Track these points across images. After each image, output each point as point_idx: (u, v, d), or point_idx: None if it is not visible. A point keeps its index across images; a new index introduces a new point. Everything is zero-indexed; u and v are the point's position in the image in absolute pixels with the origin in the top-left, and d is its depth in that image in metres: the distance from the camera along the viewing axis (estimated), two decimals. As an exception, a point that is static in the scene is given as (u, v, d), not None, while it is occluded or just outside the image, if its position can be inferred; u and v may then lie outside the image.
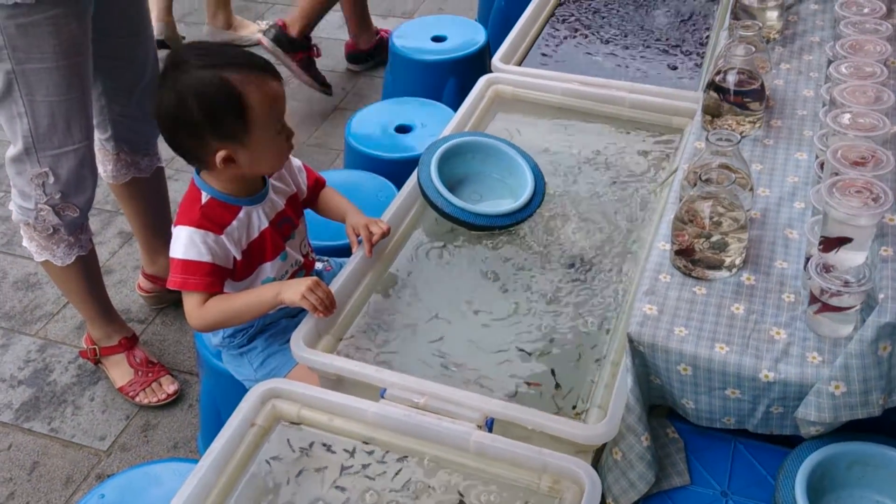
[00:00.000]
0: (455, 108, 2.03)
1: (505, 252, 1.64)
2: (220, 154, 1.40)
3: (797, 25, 1.93)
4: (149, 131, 2.11)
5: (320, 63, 3.46)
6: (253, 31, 3.73)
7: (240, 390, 1.58)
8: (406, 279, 1.59)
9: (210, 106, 1.37)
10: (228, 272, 1.47)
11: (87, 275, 2.04)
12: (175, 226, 1.46)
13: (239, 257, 1.47)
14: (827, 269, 1.17)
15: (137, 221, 2.29)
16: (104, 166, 2.13)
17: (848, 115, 1.32)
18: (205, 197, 1.46)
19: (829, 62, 1.58)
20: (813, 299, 1.20)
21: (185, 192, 1.50)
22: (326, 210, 1.68)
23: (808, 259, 1.25)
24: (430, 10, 3.90)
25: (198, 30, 3.81)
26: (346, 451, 1.28)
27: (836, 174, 1.20)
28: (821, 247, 1.19)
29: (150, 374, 2.15)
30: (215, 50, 1.42)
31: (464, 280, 1.59)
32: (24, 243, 1.96)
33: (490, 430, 1.25)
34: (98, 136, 2.08)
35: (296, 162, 1.63)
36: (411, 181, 1.74)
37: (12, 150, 1.82)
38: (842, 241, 1.16)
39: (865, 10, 1.59)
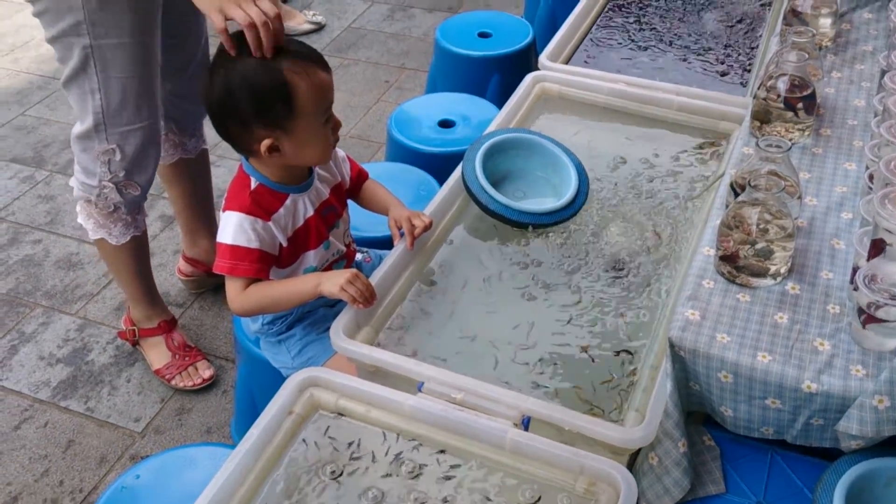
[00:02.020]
0: (499, 104, 2.03)
1: (547, 250, 1.64)
2: (265, 142, 1.41)
3: (850, 34, 1.91)
4: (197, 111, 2.14)
5: (366, 54, 3.48)
6: (300, 21, 3.77)
7: (276, 378, 1.60)
8: (447, 273, 1.60)
9: (257, 93, 1.38)
10: (274, 259, 1.49)
11: (139, 255, 2.08)
12: (224, 211, 1.47)
13: (285, 244, 1.49)
14: (874, 280, 1.15)
15: (181, 203, 2.32)
16: None
17: (902, 127, 1.30)
18: (254, 183, 1.48)
19: (883, 72, 1.55)
20: (860, 311, 1.18)
21: (232, 178, 1.52)
22: (369, 202, 1.69)
23: (854, 270, 1.23)
24: (476, 6, 3.91)
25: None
26: (381, 442, 1.29)
27: (888, 185, 1.19)
28: (870, 255, 1.17)
29: (186, 359, 2.18)
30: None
31: (504, 277, 1.59)
32: (80, 220, 1.99)
33: (526, 429, 1.25)
34: None
35: (339, 152, 1.64)
36: (455, 176, 1.74)
37: (80, 128, 1.85)
38: (881, 246, 1.15)
39: (923, 20, 1.56)
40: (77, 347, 2.31)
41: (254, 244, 1.44)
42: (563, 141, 1.85)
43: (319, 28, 3.82)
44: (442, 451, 1.27)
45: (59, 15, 1.70)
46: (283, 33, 1.39)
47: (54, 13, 1.70)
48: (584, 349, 1.43)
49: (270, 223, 1.46)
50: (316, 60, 1.43)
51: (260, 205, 1.46)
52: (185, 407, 2.14)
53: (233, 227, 1.44)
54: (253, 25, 1.34)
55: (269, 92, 1.38)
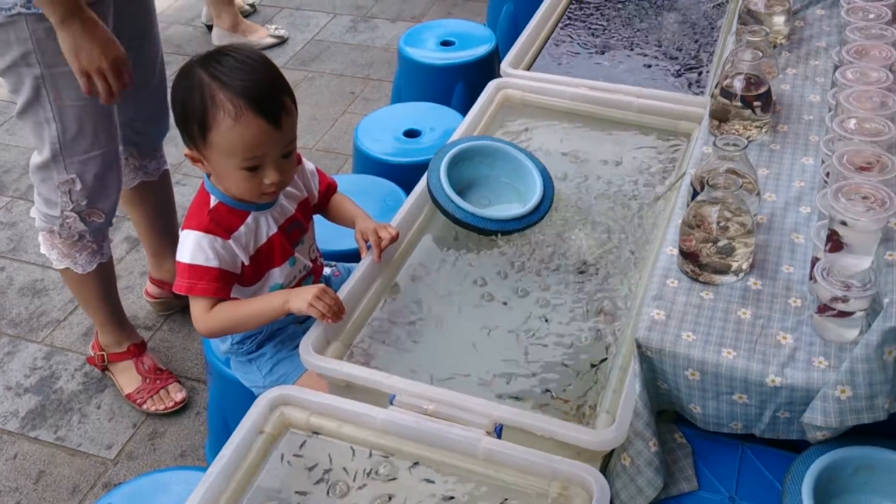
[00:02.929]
0: (464, 112, 2.04)
1: (514, 256, 1.65)
2: (185, 151, 1.45)
3: (804, 30, 1.94)
4: (155, 134, 2.13)
5: (330, 66, 3.47)
6: (262, 35, 3.77)
7: (248, 397, 1.58)
8: (415, 284, 1.60)
9: (184, 103, 1.39)
10: (236, 277, 1.48)
11: (105, 282, 2.06)
12: (183, 229, 1.46)
13: (247, 262, 1.48)
14: (832, 273, 1.17)
15: (144, 225, 2.30)
16: None
17: (854, 121, 1.32)
18: (213, 201, 1.47)
19: (836, 67, 1.58)
20: (822, 307, 1.20)
21: (194, 196, 1.51)
22: (336, 215, 1.68)
23: (813, 263, 1.25)
24: (439, 15, 3.92)
25: (206, 35, 3.84)
26: (353, 458, 1.29)
27: (843, 179, 1.20)
28: (827, 247, 1.19)
29: (158, 382, 2.16)
30: (237, 66, 1.37)
31: (473, 284, 1.59)
32: (43, 250, 1.97)
33: (499, 437, 1.26)
34: None
35: (309, 166, 1.64)
36: (420, 186, 1.74)
37: (38, 158, 1.83)
38: (837, 238, 1.17)
39: (871, 16, 1.59)
40: (45, 376, 2.28)
41: (212, 263, 1.43)
42: (526, 146, 1.86)
43: (282, 41, 3.81)
44: (416, 464, 1.27)
45: (7, 46, 1.68)
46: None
47: (1, 45, 1.68)
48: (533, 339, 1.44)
49: (230, 241, 1.45)
50: (259, 108, 1.35)
51: (219, 223, 1.45)
52: (158, 431, 2.12)
53: (191, 246, 1.43)
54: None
55: (191, 109, 1.38)
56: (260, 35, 3.75)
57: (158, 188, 2.22)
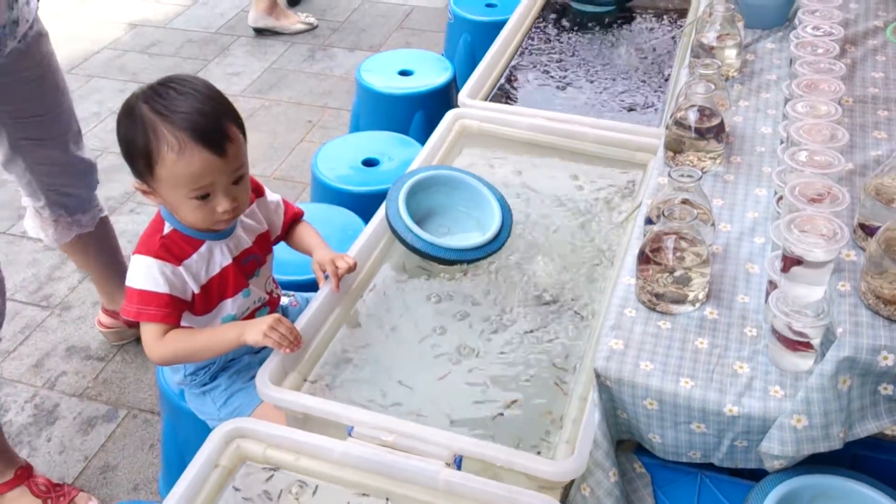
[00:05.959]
0: (422, 141, 2.04)
1: (473, 286, 1.65)
2: (134, 183, 1.43)
3: (755, 63, 1.98)
4: (83, 192, 2.09)
5: (288, 94, 3.45)
6: (293, 21, 4.07)
7: (203, 430, 1.55)
8: (374, 314, 1.59)
9: (128, 142, 1.37)
10: (186, 304, 1.45)
11: None
12: (133, 254, 1.44)
13: (197, 291, 1.45)
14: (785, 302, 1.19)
15: (90, 269, 2.27)
16: (45, 232, 2.10)
17: (804, 153, 1.35)
18: (167, 228, 1.45)
19: (787, 100, 1.62)
20: (783, 338, 1.21)
21: (149, 222, 1.48)
22: (295, 243, 1.66)
23: (768, 293, 1.27)
24: (397, 45, 3.94)
25: (161, 61, 3.81)
26: (312, 491, 1.26)
27: (795, 210, 1.23)
28: (781, 270, 1.21)
29: (60, 498, 1.96)
30: (177, 97, 1.35)
31: (432, 314, 1.59)
32: None
33: (459, 468, 1.24)
34: (33, 205, 2.06)
35: (273, 197, 1.62)
36: (379, 215, 1.74)
37: None
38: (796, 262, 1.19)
39: (819, 51, 1.63)
40: (-8, 408, 2.21)
41: (162, 288, 1.41)
42: (485, 176, 1.87)
43: (312, 28, 4.08)
44: (375, 496, 1.25)
45: None
46: None
47: None
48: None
49: (181, 268, 1.43)
50: (201, 139, 1.33)
51: (170, 250, 1.43)
52: (111, 464, 2.06)
53: (141, 272, 1.41)
54: None
55: (135, 144, 1.36)
56: (291, 21, 4.06)
57: (97, 236, 2.17)
